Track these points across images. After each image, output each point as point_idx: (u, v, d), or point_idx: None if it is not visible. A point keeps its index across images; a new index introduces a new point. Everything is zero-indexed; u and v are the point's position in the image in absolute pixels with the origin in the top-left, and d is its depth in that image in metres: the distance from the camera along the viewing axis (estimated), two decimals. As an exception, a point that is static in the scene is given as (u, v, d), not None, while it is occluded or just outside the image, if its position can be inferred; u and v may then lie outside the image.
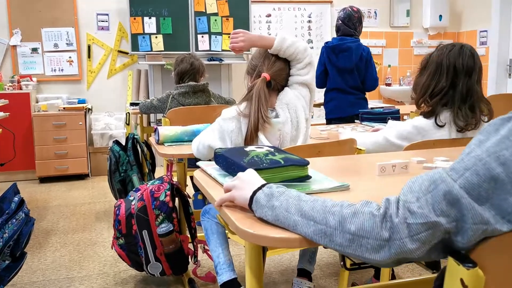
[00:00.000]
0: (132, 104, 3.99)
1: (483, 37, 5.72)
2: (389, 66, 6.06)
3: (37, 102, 5.01)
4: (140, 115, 4.19)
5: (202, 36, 5.14)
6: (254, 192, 0.98)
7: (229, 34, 5.17)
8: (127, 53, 5.31)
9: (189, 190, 3.22)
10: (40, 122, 4.72)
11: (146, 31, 4.97)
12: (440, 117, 1.90)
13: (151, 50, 5.00)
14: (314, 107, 2.46)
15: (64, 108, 4.86)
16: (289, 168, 1.17)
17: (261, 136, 1.76)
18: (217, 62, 5.14)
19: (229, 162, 1.25)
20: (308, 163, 1.20)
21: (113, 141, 3.42)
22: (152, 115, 5.05)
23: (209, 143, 1.88)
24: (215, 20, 5.16)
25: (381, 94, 6.07)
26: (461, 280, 0.73)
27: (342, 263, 2.03)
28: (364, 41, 3.52)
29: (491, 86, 5.53)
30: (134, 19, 4.94)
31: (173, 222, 2.25)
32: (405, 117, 3.27)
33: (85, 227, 3.43)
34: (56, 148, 4.78)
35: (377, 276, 2.31)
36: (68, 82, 5.30)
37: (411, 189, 0.79)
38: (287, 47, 1.84)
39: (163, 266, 2.30)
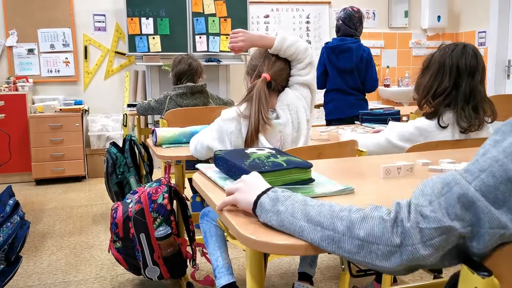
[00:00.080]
0: (129, 105, 3.96)
1: (481, 38, 5.71)
2: (388, 67, 6.05)
3: (33, 103, 4.97)
4: (137, 116, 4.15)
5: (200, 37, 5.11)
6: (259, 196, 0.94)
7: (227, 35, 5.19)
8: (124, 54, 5.27)
9: (187, 193, 3.19)
10: (36, 124, 4.68)
11: (143, 32, 4.94)
12: (443, 118, 1.87)
13: (149, 51, 4.97)
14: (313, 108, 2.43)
15: (60, 109, 4.82)
16: (292, 171, 1.14)
17: (261, 137, 1.73)
18: (215, 63, 5.11)
19: (230, 164, 1.22)
20: (311, 165, 1.17)
21: (110, 143, 3.38)
22: (149, 117, 5.00)
23: (208, 144, 1.85)
24: (213, 20, 5.13)
25: (379, 95, 6.05)
26: (476, 289, 0.70)
27: (342, 266, 2.00)
28: (362, 42, 3.50)
29: (489, 87, 5.51)
30: (131, 19, 4.90)
31: (171, 225, 2.21)
32: (404, 118, 3.24)
33: (81, 230, 3.39)
34: (53, 150, 4.74)
35: (378, 280, 2.27)
36: (65, 83, 5.26)
37: (423, 192, 0.75)
38: (287, 47, 1.80)
39: (161, 270, 2.27)
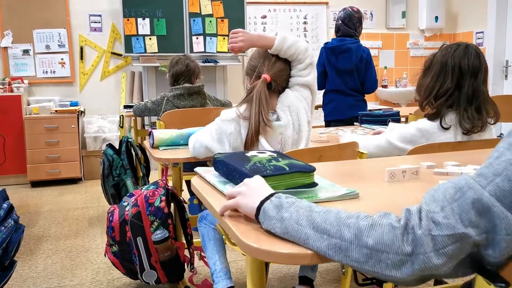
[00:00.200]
0: (126, 106, 3.92)
1: (479, 38, 5.69)
2: (385, 67, 6.02)
3: (28, 104, 4.91)
4: (134, 118, 4.13)
5: (197, 38, 5.07)
6: (262, 202, 0.90)
7: (224, 35, 5.16)
8: (120, 55, 5.23)
9: (185, 195, 3.15)
10: (31, 125, 4.62)
11: (140, 33, 4.90)
12: (445, 119, 1.84)
13: (145, 52, 4.92)
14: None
15: (56, 110, 4.76)
16: (295, 175, 1.10)
17: (262, 140, 1.70)
18: (212, 64, 5.08)
19: (230, 168, 1.18)
20: (314, 169, 1.13)
21: (107, 145, 3.34)
22: (146, 118, 4.97)
23: (207, 143, 1.82)
24: (210, 21, 5.09)
25: (377, 96, 6.03)
26: (492, 300, 0.66)
27: (343, 270, 1.96)
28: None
29: (487, 88, 5.50)
30: (128, 20, 4.86)
31: (168, 228, 2.18)
32: (402, 119, 3.22)
33: (77, 233, 3.34)
34: (48, 152, 4.69)
35: (379, 284, 2.24)
36: (60, 84, 5.21)
37: (434, 197, 0.72)
38: (288, 47, 1.77)
39: (158, 274, 2.23)
